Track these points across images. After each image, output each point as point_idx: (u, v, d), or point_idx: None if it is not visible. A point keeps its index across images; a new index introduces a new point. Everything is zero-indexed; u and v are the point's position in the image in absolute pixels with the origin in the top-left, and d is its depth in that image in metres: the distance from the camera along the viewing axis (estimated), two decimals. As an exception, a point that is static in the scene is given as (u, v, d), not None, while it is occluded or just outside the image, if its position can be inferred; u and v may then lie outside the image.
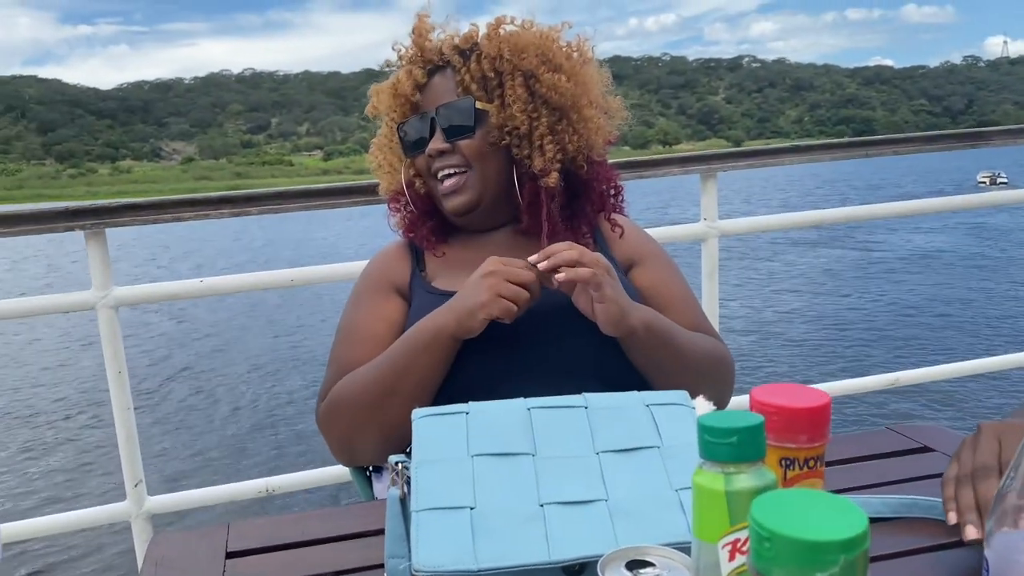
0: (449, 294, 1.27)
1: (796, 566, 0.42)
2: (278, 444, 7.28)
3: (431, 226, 1.45)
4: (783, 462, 0.64)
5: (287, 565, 0.97)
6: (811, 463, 0.64)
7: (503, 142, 1.37)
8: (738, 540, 0.54)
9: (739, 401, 1.64)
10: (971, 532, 0.80)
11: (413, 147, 1.40)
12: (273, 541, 1.02)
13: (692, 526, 0.56)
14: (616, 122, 1.46)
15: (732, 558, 0.54)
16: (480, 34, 1.42)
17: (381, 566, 0.95)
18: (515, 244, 1.40)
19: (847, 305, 14.95)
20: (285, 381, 10.09)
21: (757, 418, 0.55)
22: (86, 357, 11.41)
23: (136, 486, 2.03)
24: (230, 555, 1.00)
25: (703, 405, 0.86)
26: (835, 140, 2.43)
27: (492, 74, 1.37)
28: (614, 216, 1.47)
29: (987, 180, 50.74)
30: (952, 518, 0.83)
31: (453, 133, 1.36)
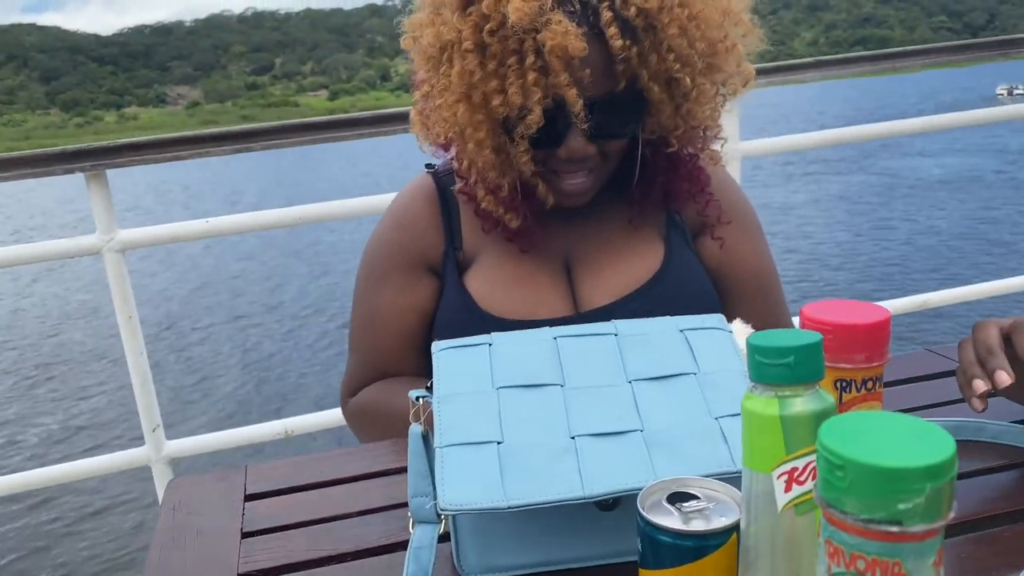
0: (492, 319, 1.07)
1: (874, 497, 0.38)
2: (295, 387, 7.29)
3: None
4: (838, 384, 0.59)
5: (307, 506, 0.94)
6: (869, 384, 0.59)
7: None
8: (795, 469, 0.49)
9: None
10: (979, 386, 0.77)
11: (539, 141, 0.99)
12: (292, 482, 0.99)
13: (742, 455, 0.52)
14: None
15: (789, 488, 0.49)
16: None
17: (405, 505, 0.92)
18: (583, 218, 1.14)
19: (870, 232, 14.58)
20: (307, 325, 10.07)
21: (814, 336, 0.49)
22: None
23: (154, 431, 2.01)
24: (249, 497, 0.97)
25: (741, 329, 0.80)
26: (858, 54, 2.31)
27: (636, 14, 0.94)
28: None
29: (1005, 92, 49.04)
30: (976, 405, 0.78)
31: (603, 134, 1.00)
